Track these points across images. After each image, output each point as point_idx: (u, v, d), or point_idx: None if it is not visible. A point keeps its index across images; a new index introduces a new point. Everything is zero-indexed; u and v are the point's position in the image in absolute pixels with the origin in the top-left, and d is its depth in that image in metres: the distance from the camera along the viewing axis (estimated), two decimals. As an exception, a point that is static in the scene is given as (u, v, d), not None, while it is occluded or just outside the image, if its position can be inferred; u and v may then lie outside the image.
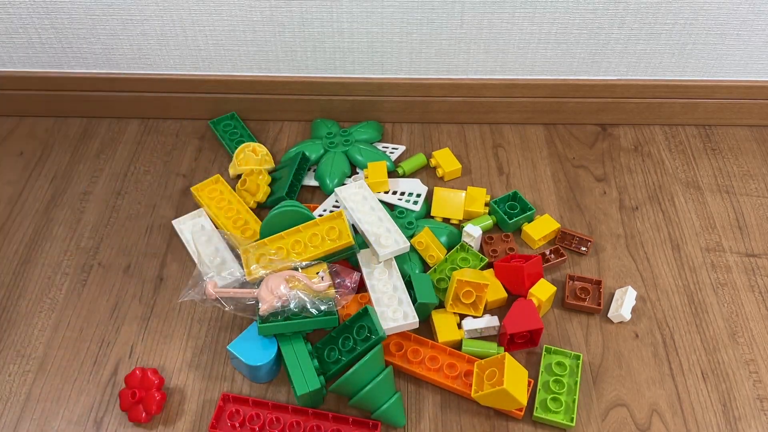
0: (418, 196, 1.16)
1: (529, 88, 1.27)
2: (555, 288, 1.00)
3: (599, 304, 1.02)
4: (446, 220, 1.15)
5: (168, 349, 0.99)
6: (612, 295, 1.05)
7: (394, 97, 1.28)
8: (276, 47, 1.22)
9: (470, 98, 1.28)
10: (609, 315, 1.03)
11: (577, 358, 0.96)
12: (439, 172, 1.21)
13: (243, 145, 1.19)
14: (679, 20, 1.18)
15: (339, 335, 0.96)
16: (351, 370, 0.87)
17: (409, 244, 1.02)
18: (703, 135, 1.31)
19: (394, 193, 1.17)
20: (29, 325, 1.01)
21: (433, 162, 1.23)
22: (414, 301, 0.97)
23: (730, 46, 1.22)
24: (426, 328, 1.00)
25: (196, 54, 1.23)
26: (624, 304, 1.01)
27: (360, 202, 1.08)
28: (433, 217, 1.15)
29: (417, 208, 1.14)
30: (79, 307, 1.04)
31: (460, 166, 1.21)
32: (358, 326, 0.95)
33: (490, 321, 0.98)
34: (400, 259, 1.04)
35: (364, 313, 0.95)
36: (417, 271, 1.05)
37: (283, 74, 1.26)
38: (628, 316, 1.01)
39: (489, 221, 1.12)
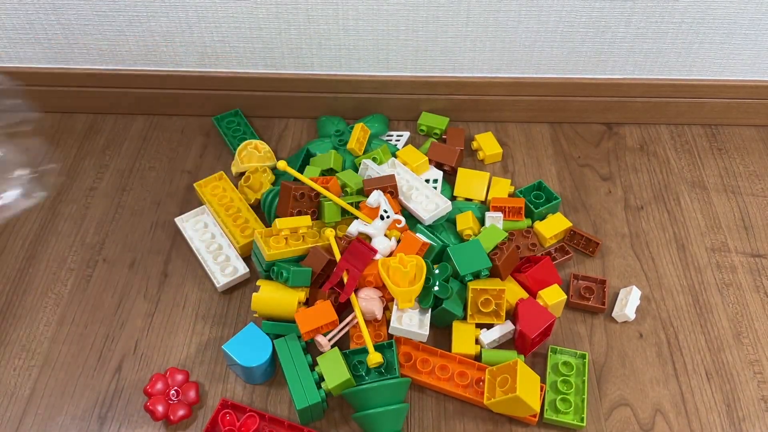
0: (435, 181, 1.17)
1: (534, 86, 1.27)
2: (565, 296, 0.99)
3: (603, 304, 1.02)
4: (468, 201, 1.15)
5: (172, 345, 0.99)
6: (616, 295, 1.05)
7: (399, 95, 1.28)
8: (281, 44, 1.22)
9: (476, 96, 1.28)
10: (613, 314, 1.02)
11: (583, 357, 0.96)
12: (480, 155, 1.21)
13: (245, 142, 1.19)
14: (686, 19, 1.17)
15: (351, 356, 0.94)
16: (373, 385, 0.86)
17: (450, 203, 1.06)
18: (710, 134, 1.31)
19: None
20: (34, 320, 1.02)
21: (474, 145, 1.23)
22: (436, 306, 0.96)
23: (736, 46, 1.21)
24: (445, 339, 0.99)
25: (201, 50, 1.23)
26: (628, 303, 1.01)
27: (398, 177, 1.11)
28: (455, 198, 1.15)
29: (437, 192, 1.14)
30: (83, 303, 1.04)
31: (501, 150, 1.21)
32: None
33: (504, 328, 0.98)
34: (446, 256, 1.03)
35: (388, 347, 0.93)
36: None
37: (289, 71, 1.26)
38: (632, 316, 1.01)
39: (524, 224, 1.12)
